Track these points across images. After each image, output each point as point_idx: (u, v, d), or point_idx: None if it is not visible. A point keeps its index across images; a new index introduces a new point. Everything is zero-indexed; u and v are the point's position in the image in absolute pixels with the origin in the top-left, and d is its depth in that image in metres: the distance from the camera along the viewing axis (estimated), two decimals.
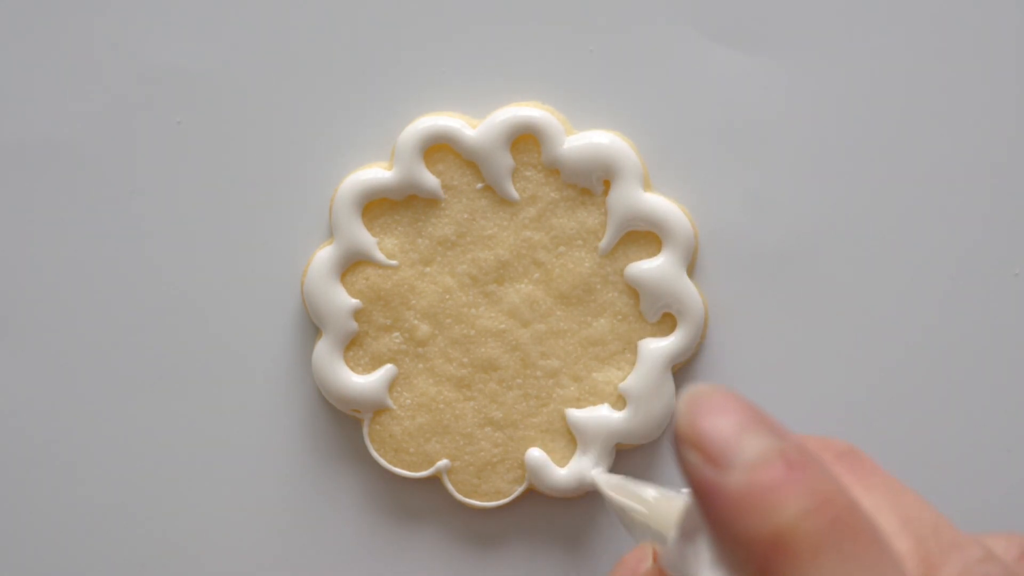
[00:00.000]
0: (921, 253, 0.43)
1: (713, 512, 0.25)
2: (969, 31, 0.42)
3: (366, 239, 0.42)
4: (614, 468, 0.42)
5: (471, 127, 0.42)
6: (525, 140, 0.42)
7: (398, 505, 0.43)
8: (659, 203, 0.42)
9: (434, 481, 0.43)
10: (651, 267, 0.42)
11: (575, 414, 0.42)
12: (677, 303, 0.42)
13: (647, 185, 0.42)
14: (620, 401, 0.42)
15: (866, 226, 0.42)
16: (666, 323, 0.42)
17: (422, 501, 0.43)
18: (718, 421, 0.26)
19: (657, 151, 0.43)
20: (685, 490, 0.30)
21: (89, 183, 0.43)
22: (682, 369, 0.42)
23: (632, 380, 0.42)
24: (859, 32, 0.42)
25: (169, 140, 0.43)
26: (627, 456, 0.43)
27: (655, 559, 0.32)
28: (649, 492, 0.32)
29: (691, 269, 0.42)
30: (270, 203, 0.43)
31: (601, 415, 0.42)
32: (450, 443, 0.42)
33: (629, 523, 0.33)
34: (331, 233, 0.42)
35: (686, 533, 0.27)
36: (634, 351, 0.42)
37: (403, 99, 0.43)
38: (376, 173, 0.42)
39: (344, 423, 0.43)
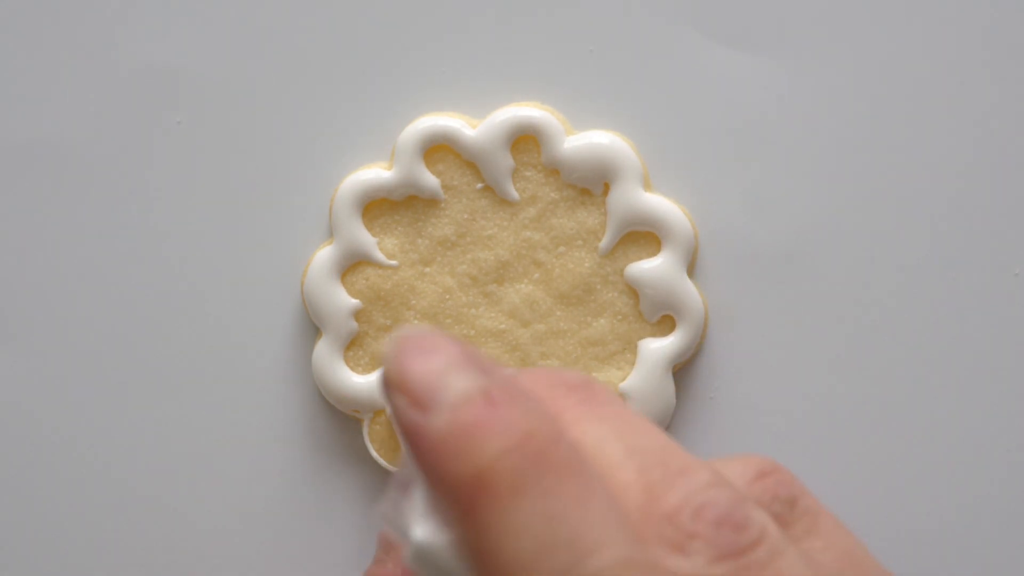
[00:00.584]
0: (921, 253, 0.42)
1: (420, 457, 0.24)
2: (970, 30, 0.42)
3: (366, 239, 0.42)
4: None
5: (471, 127, 0.42)
6: (525, 140, 0.42)
7: None
8: (659, 203, 0.42)
9: None
10: (651, 267, 0.42)
11: None
12: (677, 303, 0.42)
13: (647, 185, 0.42)
14: None
15: (866, 226, 0.42)
16: (666, 323, 0.42)
17: None
18: (424, 362, 0.25)
19: (657, 151, 0.43)
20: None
21: (89, 183, 0.43)
22: (682, 369, 0.42)
23: (632, 380, 0.42)
24: (859, 32, 0.42)
25: (169, 140, 0.43)
26: None
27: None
28: None
29: (691, 269, 0.42)
30: (270, 203, 0.43)
31: None
32: None
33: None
34: (331, 233, 0.42)
35: (401, 484, 0.26)
36: (634, 351, 0.42)
37: (403, 99, 0.43)
38: (376, 173, 0.42)
39: (344, 423, 0.43)
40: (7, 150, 0.43)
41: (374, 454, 0.42)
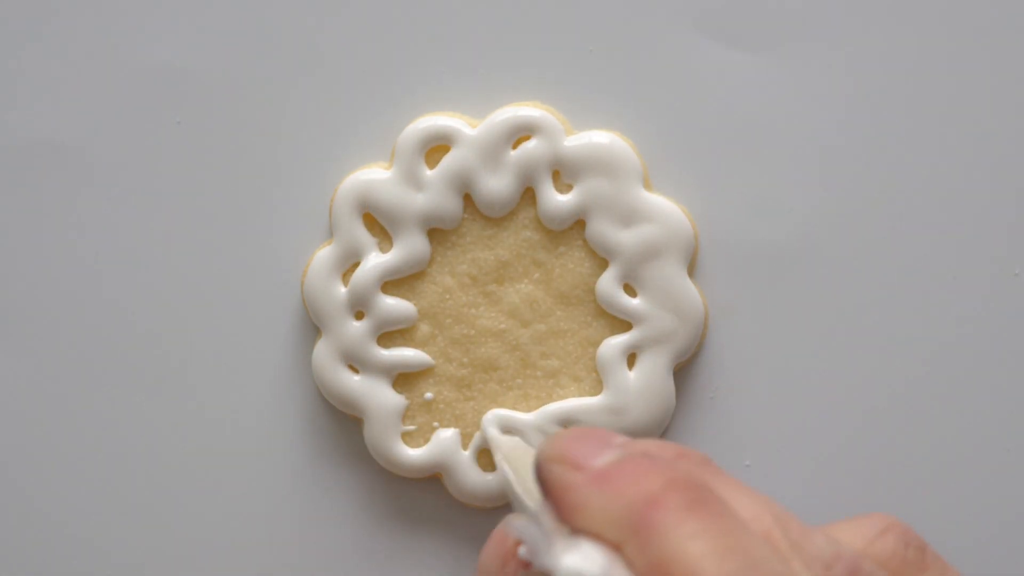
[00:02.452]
0: (921, 253, 0.42)
1: (578, 499, 0.28)
2: (970, 30, 0.42)
3: (366, 239, 0.42)
4: None
5: (471, 127, 0.42)
6: (525, 140, 0.42)
7: (398, 506, 0.43)
8: (659, 203, 0.42)
9: (434, 481, 0.43)
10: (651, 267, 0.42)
11: None
12: (677, 303, 0.42)
13: (647, 185, 0.42)
14: None
15: (866, 226, 0.42)
16: None
17: (422, 502, 0.43)
18: (581, 443, 0.29)
19: (657, 151, 0.43)
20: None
21: (88, 183, 0.43)
22: (682, 369, 0.42)
23: (632, 380, 0.42)
24: (860, 32, 0.42)
25: (169, 140, 0.43)
26: None
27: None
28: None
29: (691, 269, 0.42)
30: (270, 203, 0.43)
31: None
32: None
33: (512, 496, 0.33)
34: (331, 233, 0.42)
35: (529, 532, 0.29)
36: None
37: (403, 99, 0.43)
38: (376, 173, 0.42)
39: (344, 423, 0.43)
40: (7, 150, 0.43)
41: (374, 454, 0.42)
